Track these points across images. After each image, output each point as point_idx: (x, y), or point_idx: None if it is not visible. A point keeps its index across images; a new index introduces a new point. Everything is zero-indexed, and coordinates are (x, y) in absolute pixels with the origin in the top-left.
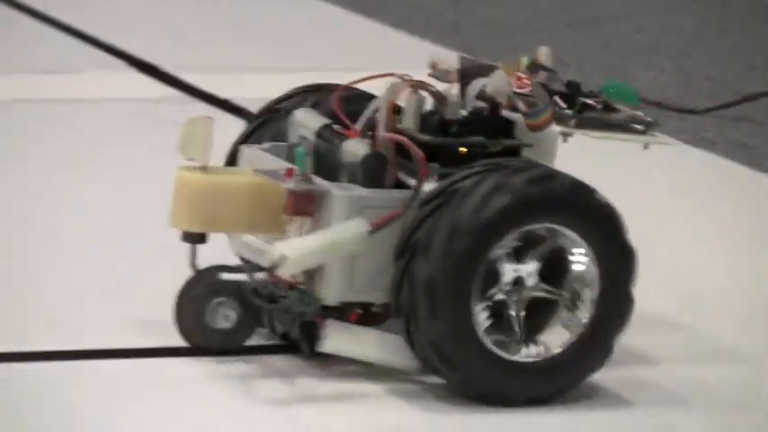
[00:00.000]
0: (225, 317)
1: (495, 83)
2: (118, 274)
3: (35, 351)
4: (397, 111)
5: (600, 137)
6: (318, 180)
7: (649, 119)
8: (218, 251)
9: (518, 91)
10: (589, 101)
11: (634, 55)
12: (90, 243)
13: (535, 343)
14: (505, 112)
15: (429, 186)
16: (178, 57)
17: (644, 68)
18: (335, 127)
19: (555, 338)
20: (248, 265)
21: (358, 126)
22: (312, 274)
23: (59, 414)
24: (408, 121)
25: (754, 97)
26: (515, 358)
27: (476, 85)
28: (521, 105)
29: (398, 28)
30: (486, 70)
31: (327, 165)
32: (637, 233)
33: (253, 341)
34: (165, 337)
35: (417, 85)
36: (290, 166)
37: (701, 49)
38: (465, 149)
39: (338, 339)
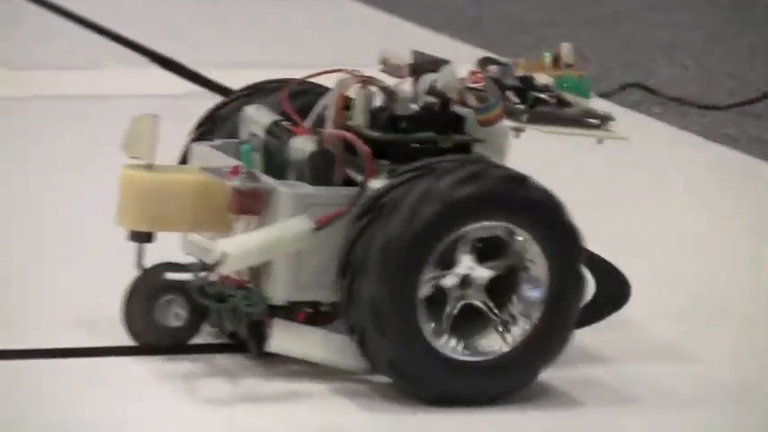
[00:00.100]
0: (175, 315)
1: (445, 78)
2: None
3: None
4: (348, 107)
5: (552, 132)
6: (264, 177)
7: (604, 113)
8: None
9: (470, 86)
10: (542, 95)
11: (654, 51)
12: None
13: (469, 345)
14: (457, 108)
15: (378, 183)
16: (200, 53)
17: (665, 65)
18: (285, 123)
19: (490, 343)
20: (195, 264)
21: (308, 122)
22: (258, 273)
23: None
24: (358, 117)
25: None
26: (466, 359)
27: (426, 80)
28: (471, 100)
29: (420, 24)
30: (437, 65)
31: (276, 162)
32: (653, 230)
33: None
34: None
35: (366, 81)
36: (238, 163)
37: (721, 46)
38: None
39: (284, 339)
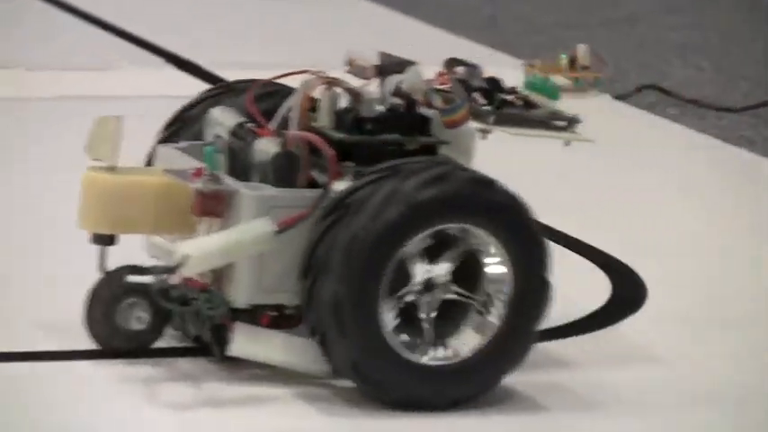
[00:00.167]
0: (137, 318)
1: (410, 79)
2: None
3: None
4: (314, 108)
5: (518, 134)
6: (227, 179)
7: (571, 115)
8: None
9: (437, 87)
10: (509, 97)
11: (670, 53)
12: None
13: (444, 346)
14: (423, 109)
15: (342, 185)
16: (216, 53)
17: (680, 67)
18: (249, 125)
19: (466, 342)
20: (157, 267)
21: (273, 124)
22: (221, 276)
23: None
24: (323, 119)
25: None
26: (428, 362)
27: (391, 81)
28: (436, 102)
29: (434, 24)
30: (403, 67)
31: (240, 164)
32: (662, 231)
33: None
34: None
35: (331, 82)
36: (201, 165)
37: (737, 48)
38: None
39: (246, 343)
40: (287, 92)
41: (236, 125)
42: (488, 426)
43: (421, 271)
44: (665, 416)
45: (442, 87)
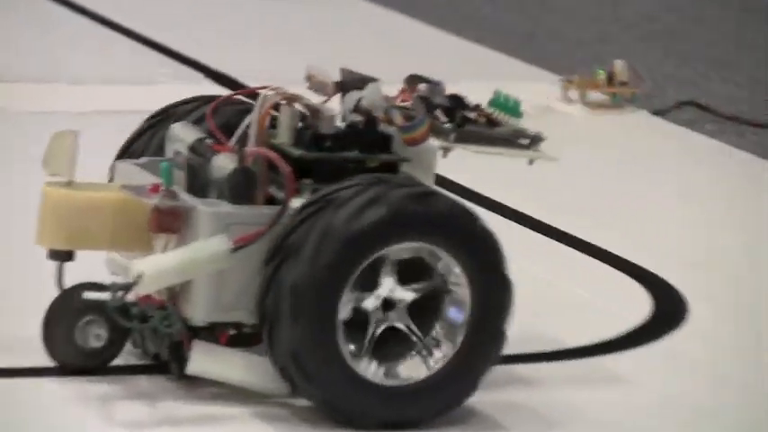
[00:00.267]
0: (95, 336)
1: (370, 96)
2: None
3: None
4: (274, 125)
5: (480, 151)
6: (184, 196)
7: (534, 133)
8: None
9: (399, 104)
10: (471, 115)
11: (708, 69)
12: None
13: (391, 369)
14: (384, 126)
15: (299, 202)
16: (253, 67)
17: (719, 82)
18: (208, 141)
19: (411, 370)
20: (114, 284)
21: (233, 140)
22: (179, 293)
23: None
24: (283, 135)
25: None
26: (387, 383)
27: (351, 97)
28: (397, 119)
29: (473, 40)
30: (364, 83)
31: (199, 180)
32: (705, 247)
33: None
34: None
35: (290, 98)
36: (159, 181)
37: None
38: None
39: (203, 361)
40: (249, 108)
41: (196, 141)
42: None
43: (387, 285)
44: None
45: (403, 104)
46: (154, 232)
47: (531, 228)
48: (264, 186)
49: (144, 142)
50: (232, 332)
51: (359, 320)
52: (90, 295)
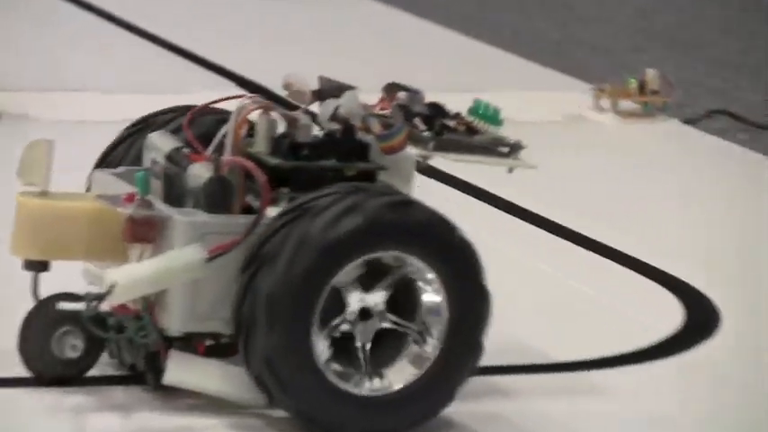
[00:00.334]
0: (72, 346)
1: (347, 104)
2: None
3: None
4: (252, 134)
5: (459, 160)
6: (159, 205)
7: (513, 141)
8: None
9: (377, 112)
10: (450, 123)
11: (739, 77)
12: None
13: (380, 376)
14: (362, 135)
15: (275, 211)
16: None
17: (750, 91)
18: (185, 150)
19: (400, 373)
20: (89, 294)
21: (210, 149)
22: (153, 303)
23: None
24: (260, 144)
25: None
26: (354, 390)
27: (329, 106)
28: (374, 127)
29: (505, 49)
30: (342, 91)
31: (175, 190)
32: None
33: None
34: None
35: (267, 107)
36: (135, 191)
37: None
38: None
39: (180, 371)
40: (227, 117)
41: (172, 150)
42: None
43: (355, 299)
44: None
45: (381, 113)
46: (128, 242)
47: (562, 236)
48: (241, 195)
49: (122, 151)
50: (209, 342)
51: (346, 343)
52: (64, 306)
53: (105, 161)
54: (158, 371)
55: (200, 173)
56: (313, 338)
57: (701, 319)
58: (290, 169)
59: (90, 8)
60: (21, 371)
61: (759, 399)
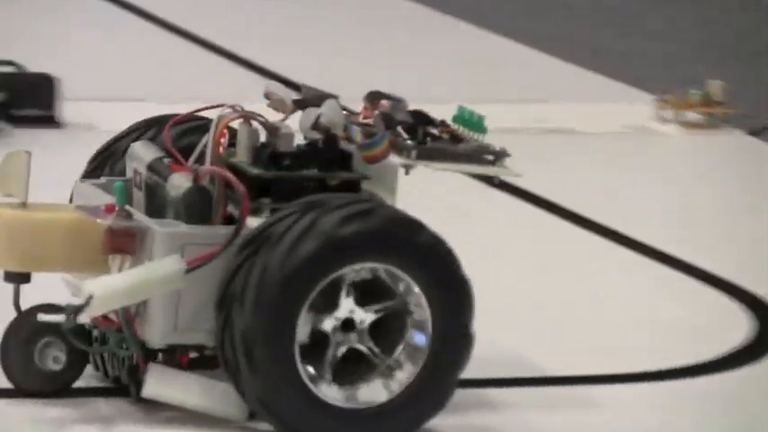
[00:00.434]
0: (54, 358)
1: (328, 113)
2: None
3: None
4: (234, 143)
5: (443, 168)
6: (138, 216)
7: (498, 149)
8: None
9: (360, 121)
10: (434, 131)
11: None
12: None
13: (348, 389)
14: (345, 144)
15: (254, 222)
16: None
17: None
18: (167, 160)
19: (372, 391)
20: (69, 306)
21: (192, 160)
22: (134, 316)
23: None
24: (241, 154)
25: None
26: (346, 405)
27: (310, 115)
28: (356, 136)
29: (569, 61)
30: (323, 100)
31: (156, 200)
32: None
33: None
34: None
35: (246, 116)
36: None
37: None
38: None
39: (159, 384)
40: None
41: (154, 160)
42: None
43: (346, 307)
44: None
45: (365, 121)
46: (107, 253)
47: (629, 247)
48: (223, 206)
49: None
50: (193, 355)
51: (320, 344)
52: (44, 317)
53: (92, 171)
54: (139, 383)
55: (179, 183)
56: (298, 363)
57: None
58: (271, 179)
59: (154, 19)
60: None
61: None
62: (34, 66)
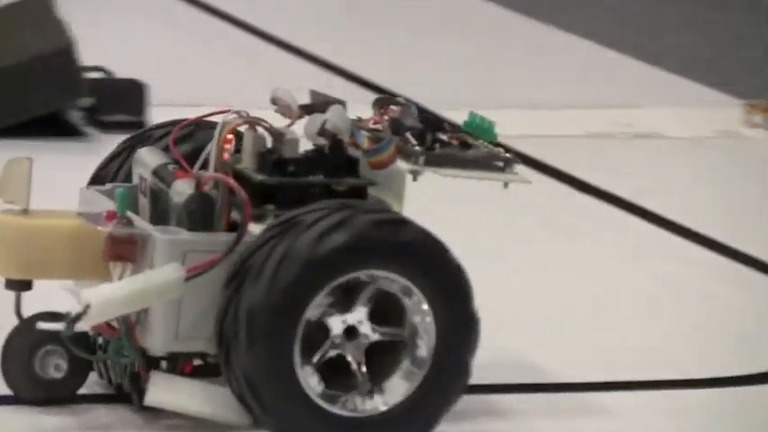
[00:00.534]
0: (55, 366)
1: (333, 119)
2: None
3: None
4: (239, 149)
5: (451, 175)
6: (140, 223)
7: (508, 155)
8: None
9: (371, 127)
10: (444, 137)
11: None
12: None
13: (381, 393)
14: (352, 150)
15: (257, 228)
16: (442, 94)
17: None
18: (171, 167)
19: (396, 389)
20: (69, 314)
21: (197, 166)
22: (135, 323)
23: None
24: (246, 160)
25: None
26: (347, 414)
27: (315, 121)
28: (362, 142)
29: (657, 65)
30: (329, 106)
31: (161, 207)
32: None
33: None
34: None
35: (251, 122)
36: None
37: None
38: None
39: (161, 392)
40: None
41: (159, 166)
42: None
43: (337, 323)
44: None
45: (374, 127)
46: (107, 261)
47: (718, 252)
48: (227, 212)
49: (115, 167)
50: (198, 362)
51: (318, 336)
52: (43, 325)
53: (99, 177)
54: (141, 391)
55: (182, 189)
56: (296, 356)
57: None
58: (276, 185)
59: (245, 26)
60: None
61: None
62: (122, 72)
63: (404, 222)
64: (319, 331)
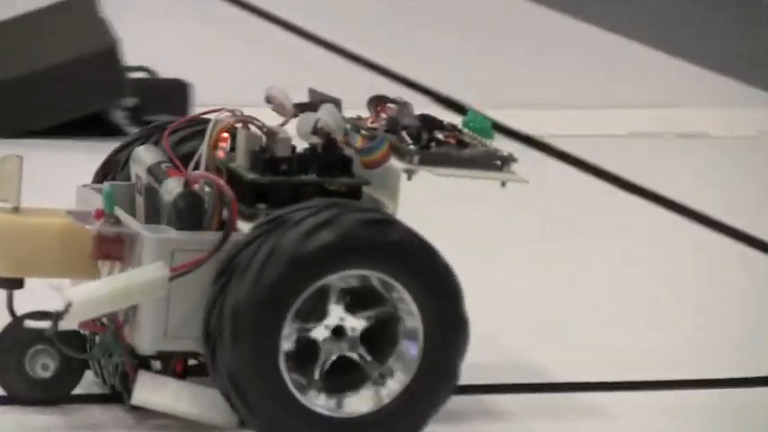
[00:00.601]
0: (42, 366)
1: (325, 117)
2: None
3: None
4: (233, 147)
5: (446, 174)
6: (129, 221)
7: (506, 154)
8: None
9: (368, 126)
10: (440, 136)
11: None
12: None
13: (339, 400)
14: (345, 149)
15: (245, 227)
16: (480, 93)
17: None
18: (164, 165)
19: (360, 402)
20: (56, 312)
21: (191, 165)
22: (123, 322)
23: None
24: (240, 159)
25: None
26: (337, 415)
27: (308, 119)
28: (355, 141)
29: (701, 65)
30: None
31: (154, 205)
32: None
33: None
34: None
35: (244, 120)
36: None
37: None
38: None
39: (148, 392)
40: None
41: (153, 164)
42: None
43: (336, 314)
44: None
45: (371, 126)
46: (96, 259)
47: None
48: (218, 211)
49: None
50: (192, 362)
51: (309, 352)
52: (31, 324)
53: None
54: (130, 391)
55: (171, 188)
56: (280, 354)
57: None
58: (268, 184)
59: (288, 26)
60: None
61: None
62: (166, 72)
63: (391, 222)
64: (309, 348)
